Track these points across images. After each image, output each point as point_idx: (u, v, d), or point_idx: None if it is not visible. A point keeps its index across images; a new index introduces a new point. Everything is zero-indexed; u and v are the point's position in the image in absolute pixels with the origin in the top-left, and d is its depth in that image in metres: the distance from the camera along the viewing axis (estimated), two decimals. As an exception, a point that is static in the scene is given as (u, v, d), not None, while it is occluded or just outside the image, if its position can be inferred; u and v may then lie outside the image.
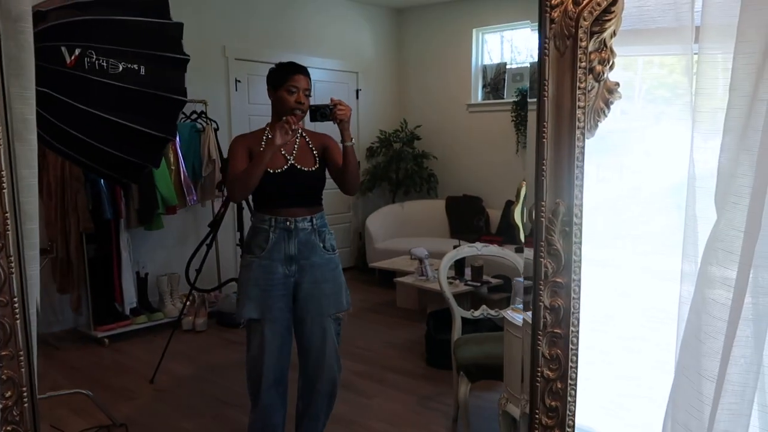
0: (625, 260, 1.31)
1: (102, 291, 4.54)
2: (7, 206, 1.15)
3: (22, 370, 1.21)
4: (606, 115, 1.18)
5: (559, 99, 1.19)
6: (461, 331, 3.13)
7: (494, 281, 4.52)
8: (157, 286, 4.93)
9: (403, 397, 3.51)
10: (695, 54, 1.13)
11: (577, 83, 1.17)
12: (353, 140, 2.50)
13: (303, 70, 2.52)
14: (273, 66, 2.56)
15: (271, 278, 2.48)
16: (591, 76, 1.17)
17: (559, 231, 1.20)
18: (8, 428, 1.20)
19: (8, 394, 1.19)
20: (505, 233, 5.74)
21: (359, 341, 4.45)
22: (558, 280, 1.22)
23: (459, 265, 4.56)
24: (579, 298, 1.21)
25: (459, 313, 3.13)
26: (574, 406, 1.25)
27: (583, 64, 1.16)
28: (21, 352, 1.19)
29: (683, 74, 1.16)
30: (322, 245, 2.54)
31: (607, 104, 1.18)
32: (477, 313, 3.14)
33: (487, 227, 6.17)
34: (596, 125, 1.18)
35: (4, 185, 1.15)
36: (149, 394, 3.62)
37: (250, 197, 2.62)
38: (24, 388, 1.21)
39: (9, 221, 1.15)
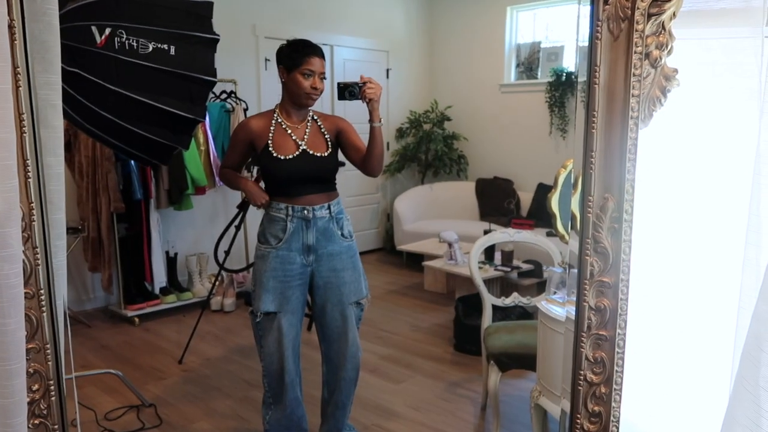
0: (681, 258, 1.23)
1: (132, 270, 4.57)
2: (32, 196, 1.11)
3: (49, 363, 1.18)
4: (662, 104, 1.09)
5: (611, 86, 1.11)
6: (491, 318, 3.07)
7: (525, 266, 4.44)
8: (186, 266, 4.95)
9: (431, 383, 3.48)
10: (766, 37, 1.03)
11: (632, 69, 1.08)
12: (382, 120, 2.39)
13: (319, 52, 2.38)
14: (284, 43, 2.42)
15: (290, 269, 2.42)
16: (647, 61, 1.08)
17: (608, 228, 1.13)
18: (36, 421, 1.18)
19: (35, 387, 1.17)
20: (537, 216, 5.63)
21: (386, 325, 4.42)
22: (605, 279, 1.15)
23: (489, 250, 4.48)
24: (627, 300, 1.14)
25: (489, 300, 3.06)
26: (619, 412, 1.19)
27: (639, 48, 1.08)
28: (48, 346, 1.17)
29: (751, 57, 1.06)
30: (340, 233, 2.48)
31: (664, 92, 1.09)
32: (508, 301, 3.08)
33: (517, 210, 6.07)
34: (651, 115, 1.10)
35: (30, 174, 1.11)
36: (178, 374, 3.64)
37: (262, 183, 2.56)
38: (51, 382, 1.19)
39: (35, 211, 1.12)
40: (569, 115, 5.90)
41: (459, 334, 3.95)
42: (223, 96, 4.90)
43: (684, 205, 1.20)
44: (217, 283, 4.52)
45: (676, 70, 1.10)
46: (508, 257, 4.39)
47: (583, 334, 1.17)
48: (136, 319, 4.47)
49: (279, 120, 2.44)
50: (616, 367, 1.17)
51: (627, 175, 1.11)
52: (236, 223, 4.13)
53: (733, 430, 0.97)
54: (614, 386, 1.17)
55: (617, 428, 1.19)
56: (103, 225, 4.32)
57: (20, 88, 1.09)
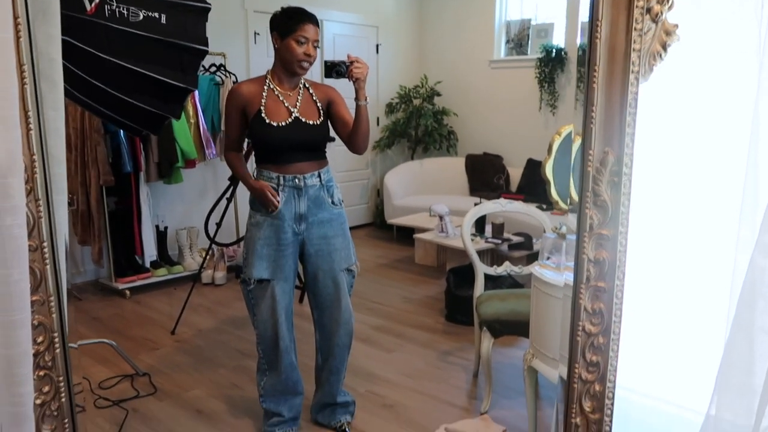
0: (678, 215, 1.25)
1: (122, 244, 4.56)
2: (34, 148, 1.11)
3: (53, 315, 1.19)
4: (662, 59, 1.11)
5: (612, 41, 1.12)
6: (483, 287, 3.10)
7: (515, 239, 4.47)
8: (176, 240, 4.94)
9: (423, 352, 3.52)
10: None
11: (633, 24, 1.09)
12: (368, 99, 2.42)
13: (313, 19, 2.37)
14: (278, 10, 2.40)
15: (283, 238, 2.43)
16: (648, 16, 1.10)
17: (607, 181, 1.15)
18: (41, 373, 1.19)
19: (40, 339, 1.18)
20: (526, 191, 5.66)
21: (377, 297, 4.46)
22: (604, 232, 1.17)
23: (479, 223, 4.52)
24: (625, 252, 1.16)
25: (482, 269, 3.09)
26: (616, 362, 1.22)
27: (641, 3, 1.09)
28: (51, 298, 1.17)
29: (751, 12, 1.07)
30: (330, 200, 2.49)
31: (665, 47, 1.10)
32: (500, 270, 3.11)
33: (507, 185, 6.10)
34: (651, 69, 1.11)
35: (31, 126, 1.10)
36: (171, 345, 3.65)
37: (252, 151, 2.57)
38: (55, 334, 1.19)
39: (37, 164, 1.11)
40: (559, 91, 5.92)
41: (450, 305, 3.99)
42: (213, 69, 4.86)
43: (683, 157, 1.21)
44: (207, 256, 4.52)
45: (676, 25, 1.11)
46: (498, 230, 4.42)
47: (582, 286, 1.20)
48: (127, 292, 4.47)
49: (271, 86, 2.41)
50: (614, 318, 1.19)
51: (627, 129, 1.12)
52: (227, 195, 4.12)
53: (729, 373, 1.01)
54: (612, 336, 1.20)
55: (614, 377, 1.22)
56: (92, 198, 4.29)
57: (21, 39, 1.08)
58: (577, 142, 1.19)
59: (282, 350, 2.52)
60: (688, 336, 1.26)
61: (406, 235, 5.91)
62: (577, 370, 1.23)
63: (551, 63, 5.84)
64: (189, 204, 5.17)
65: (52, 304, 1.17)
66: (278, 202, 2.39)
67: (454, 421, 2.73)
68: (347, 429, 2.67)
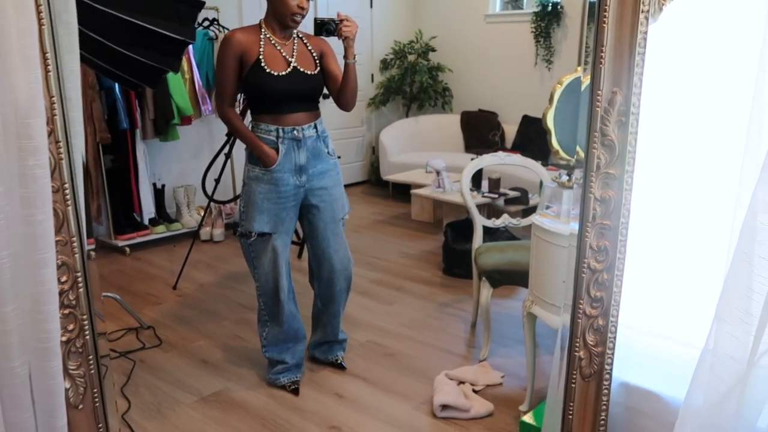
0: (683, 153, 1.28)
1: (120, 202, 4.57)
2: (53, 89, 1.12)
3: (76, 256, 1.22)
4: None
5: (622, -20, 1.13)
6: (482, 240, 3.15)
7: (512, 193, 4.52)
8: (174, 198, 4.95)
9: (422, 304, 3.59)
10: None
11: (643, -37, 1.11)
12: (356, 58, 2.45)
13: None
14: None
15: (284, 191, 2.45)
16: (658, -45, 1.11)
17: (615, 121, 1.18)
18: (65, 312, 1.23)
19: (64, 278, 1.21)
20: (521, 148, 5.68)
21: (375, 252, 4.51)
22: (610, 171, 1.21)
23: (476, 178, 4.54)
24: (631, 190, 1.20)
25: (480, 221, 3.14)
26: (620, 297, 1.27)
27: (651, -59, 1.10)
28: (74, 239, 1.20)
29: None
30: (326, 151, 2.53)
31: (674, -14, 1.12)
32: (498, 222, 3.15)
33: (502, 142, 6.11)
34: (661, 9, 1.13)
35: (50, 68, 1.12)
36: (173, 299, 3.70)
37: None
38: (78, 274, 1.23)
39: (56, 105, 1.13)
40: (555, 46, 5.88)
41: (448, 259, 4.05)
42: (206, 23, 4.80)
43: (688, 98, 1.24)
44: (206, 214, 4.55)
45: (685, -35, 1.13)
46: (495, 184, 4.46)
47: (588, 224, 1.24)
48: (127, 249, 4.50)
49: (267, 35, 2.39)
50: (618, 254, 1.24)
51: (636, 69, 1.15)
52: (225, 151, 4.12)
53: (728, 301, 1.05)
54: (616, 272, 1.25)
55: (617, 312, 1.27)
56: (89, 156, 4.27)
57: (36, -21, 1.08)
58: (585, 83, 1.21)
59: (282, 301, 2.57)
60: (690, 273, 1.31)
61: (401, 191, 5.95)
62: (581, 306, 1.28)
63: (547, 17, 5.79)
64: (185, 162, 5.17)
65: (75, 244, 1.20)
66: (277, 156, 2.41)
67: (454, 368, 2.81)
68: (343, 362, 2.86)
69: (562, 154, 2.26)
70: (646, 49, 1.14)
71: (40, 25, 1.08)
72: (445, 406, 2.49)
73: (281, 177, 2.44)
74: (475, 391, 2.65)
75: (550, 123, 2.23)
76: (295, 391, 2.65)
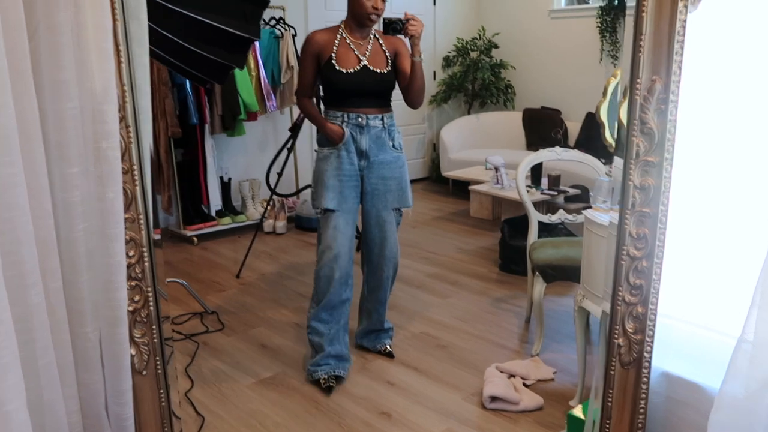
0: (723, 141, 1.28)
1: (189, 194, 4.79)
2: (125, 79, 1.24)
3: (142, 232, 1.33)
4: (712, -13, 1.13)
5: (662, -30, 1.15)
6: (537, 235, 3.15)
7: (571, 191, 4.47)
8: (239, 191, 5.15)
9: (477, 299, 3.61)
10: None
11: (684, -48, 1.12)
12: (422, 55, 2.56)
13: None
14: None
15: (346, 170, 2.61)
16: (699, -56, 1.12)
17: (654, 109, 1.19)
18: (132, 284, 1.34)
19: (131, 253, 1.33)
20: (585, 146, 5.58)
21: (432, 247, 4.56)
22: (650, 159, 1.22)
23: (536, 174, 4.52)
24: (671, 177, 1.21)
25: (536, 216, 3.14)
26: (659, 284, 1.28)
27: (692, -69, 1.11)
28: (141, 216, 1.32)
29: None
30: (391, 144, 2.66)
31: (715, -25, 1.13)
32: (554, 218, 3.15)
33: (565, 140, 6.02)
34: (701, -2, 1.14)
35: (122, 60, 1.23)
36: (236, 287, 3.86)
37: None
38: (144, 249, 1.34)
39: (127, 94, 1.24)
40: (621, 41, 5.76)
41: (504, 255, 4.05)
42: (272, 22, 4.96)
43: (728, 86, 1.24)
44: (269, 207, 4.71)
45: (728, -47, 1.13)
46: (554, 181, 4.43)
47: (628, 211, 1.25)
48: (195, 239, 4.72)
49: (343, 35, 2.59)
50: (657, 242, 1.25)
51: (675, 57, 1.16)
52: (288, 145, 4.26)
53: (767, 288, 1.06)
54: (655, 260, 1.26)
55: (657, 299, 1.28)
56: (161, 149, 4.51)
57: (111, -22, 1.19)
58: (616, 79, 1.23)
59: (335, 281, 2.61)
60: (728, 262, 1.30)
61: (461, 188, 5.96)
62: (620, 294, 1.30)
63: (613, 12, 5.67)
64: (251, 156, 5.36)
65: (141, 222, 1.32)
66: (343, 132, 2.57)
67: (506, 361, 2.83)
68: (391, 350, 2.94)
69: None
70: (685, 38, 1.15)
71: (114, 20, 1.20)
72: (494, 398, 2.51)
73: (345, 156, 2.60)
74: (525, 385, 2.66)
75: (603, 116, 2.23)
76: (329, 389, 2.61)
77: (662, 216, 1.23)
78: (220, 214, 4.94)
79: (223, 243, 4.77)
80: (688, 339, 1.36)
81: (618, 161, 2.24)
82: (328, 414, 2.49)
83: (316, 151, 2.73)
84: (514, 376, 2.71)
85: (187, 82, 4.38)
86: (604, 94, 2.18)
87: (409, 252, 4.35)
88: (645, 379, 1.34)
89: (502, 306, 3.51)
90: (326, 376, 2.67)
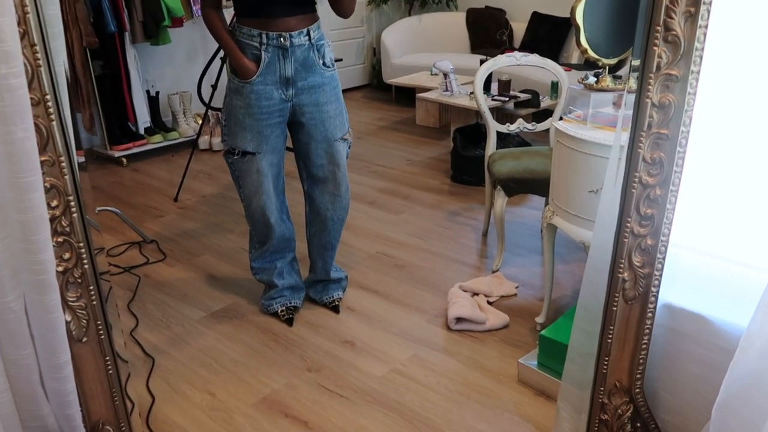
0: (759, 54, 1.11)
1: (113, 110, 4.38)
2: (22, -18, 0.95)
3: (66, 177, 1.08)
4: None
5: None
6: (495, 147, 3.00)
7: (523, 96, 4.31)
8: (169, 106, 4.74)
9: (431, 213, 3.49)
10: None
11: None
12: None
13: None
14: None
15: (267, 106, 2.17)
16: None
17: (682, 12, 1.00)
18: (59, 240, 1.10)
19: (54, 203, 1.08)
20: (531, 48, 5.40)
21: (380, 160, 4.37)
22: (672, 72, 1.05)
23: (485, 80, 4.32)
24: (695, 94, 1.05)
25: (494, 127, 2.97)
26: (672, 215, 1.14)
27: None
28: (62, 158, 1.06)
29: None
30: (321, 62, 2.19)
31: None
32: (513, 127, 2.99)
33: (510, 41, 5.82)
34: None
35: (15, -45, 0.93)
36: (175, 212, 3.60)
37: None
38: (70, 197, 1.10)
39: (28, 1, 0.95)
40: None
41: (456, 165, 3.92)
42: None
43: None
44: (203, 122, 4.36)
45: None
46: (505, 87, 4.25)
47: (642, 132, 1.09)
48: (124, 160, 4.36)
49: None
50: (675, 168, 1.10)
51: (712, -53, 0.97)
52: (221, 54, 3.88)
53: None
54: (671, 188, 1.12)
55: (669, 230, 1.16)
56: (77, 62, 4.04)
57: None
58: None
59: (273, 224, 2.37)
60: (754, 189, 1.18)
61: (405, 95, 5.72)
62: (629, 224, 1.16)
63: None
64: (179, 67, 4.92)
65: (63, 164, 1.06)
66: (256, 68, 2.12)
67: (467, 279, 2.75)
68: (339, 304, 2.59)
69: (591, 53, 2.07)
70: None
71: None
72: (459, 319, 2.43)
73: (263, 90, 2.14)
74: (489, 303, 2.60)
75: (579, 18, 2.03)
76: (289, 321, 2.47)
77: (682, 139, 1.08)
78: (150, 131, 4.55)
79: (155, 163, 4.43)
80: (693, 269, 1.25)
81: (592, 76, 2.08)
82: (288, 347, 2.35)
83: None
84: (477, 294, 2.64)
85: (100, -17, 3.88)
86: (580, -8, 1.98)
87: (357, 166, 4.15)
88: (650, 315, 1.24)
89: (458, 220, 3.41)
90: (284, 308, 2.50)
